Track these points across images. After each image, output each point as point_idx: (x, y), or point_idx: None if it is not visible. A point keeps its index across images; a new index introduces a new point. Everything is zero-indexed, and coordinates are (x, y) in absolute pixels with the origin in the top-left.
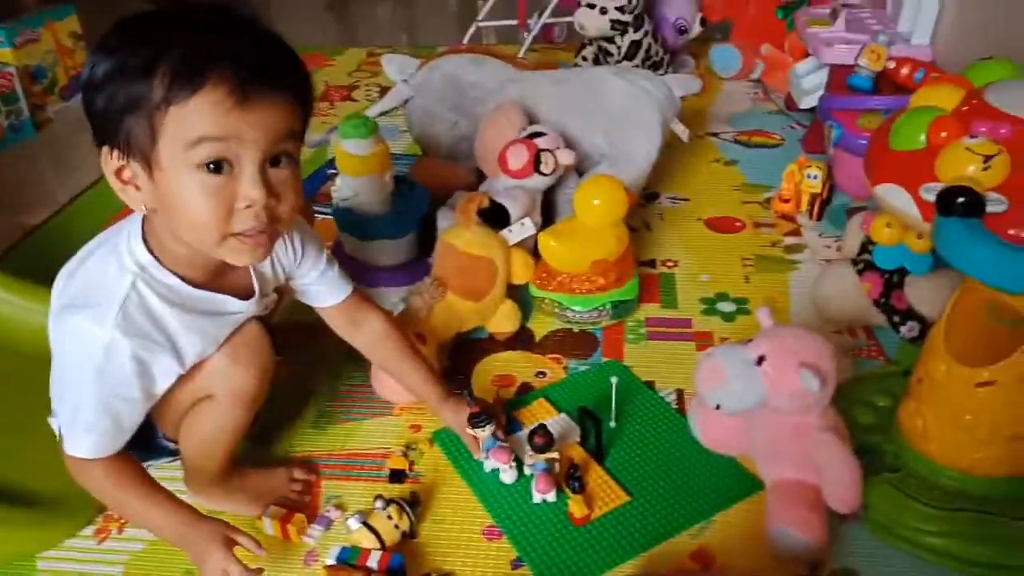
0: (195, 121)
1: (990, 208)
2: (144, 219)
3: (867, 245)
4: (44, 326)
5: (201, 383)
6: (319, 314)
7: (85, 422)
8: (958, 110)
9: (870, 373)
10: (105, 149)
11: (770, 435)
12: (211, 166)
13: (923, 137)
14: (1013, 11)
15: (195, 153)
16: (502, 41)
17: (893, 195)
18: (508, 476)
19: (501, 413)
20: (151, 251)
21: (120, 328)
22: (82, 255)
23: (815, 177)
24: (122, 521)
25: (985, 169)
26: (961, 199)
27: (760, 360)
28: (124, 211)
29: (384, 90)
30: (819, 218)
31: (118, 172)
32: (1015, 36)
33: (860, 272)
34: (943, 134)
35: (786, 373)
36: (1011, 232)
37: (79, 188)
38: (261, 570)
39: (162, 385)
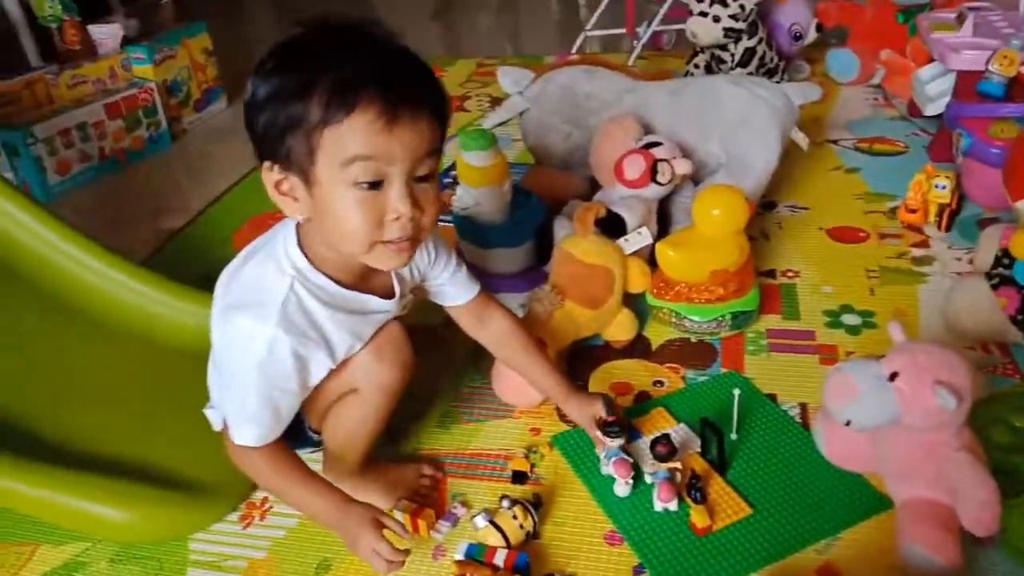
0: (349, 141)
1: None
2: (298, 225)
3: (1002, 258)
4: (197, 325)
5: (348, 378)
6: (449, 312)
7: (250, 413)
8: None
9: (1006, 391)
10: (266, 164)
11: (901, 452)
12: (365, 184)
13: None
14: None
15: (350, 171)
16: (607, 50)
17: None
18: (622, 490)
19: (631, 427)
20: (305, 255)
21: (281, 326)
22: (241, 259)
23: (943, 187)
24: (264, 508)
25: None
26: None
27: (893, 376)
28: (257, 218)
29: (495, 100)
30: (948, 229)
31: (277, 184)
32: None
33: (995, 287)
34: None
35: (921, 390)
36: None
37: (212, 196)
38: (408, 551)
39: (316, 378)
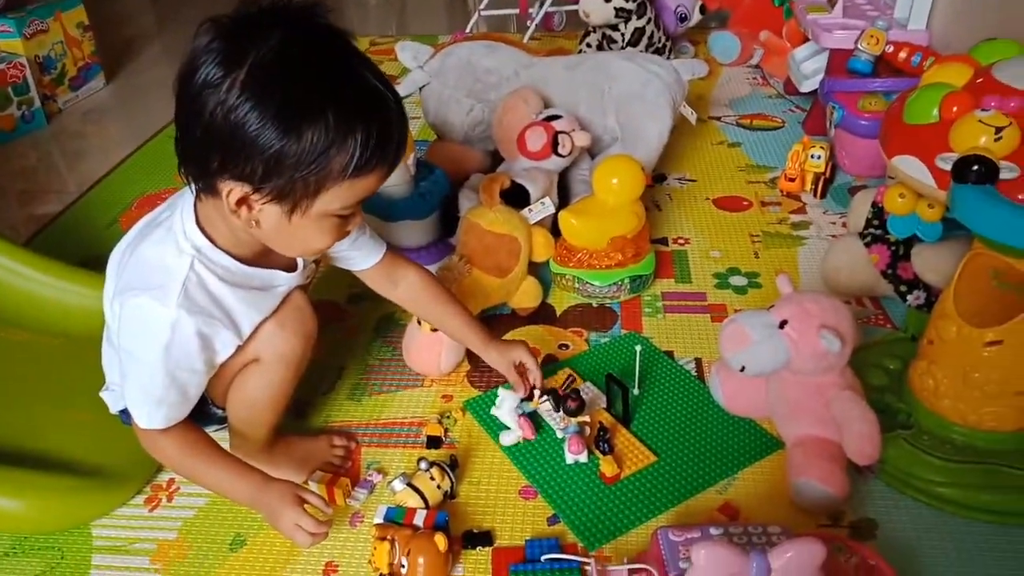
0: (355, 192)
1: (1003, 175)
2: (196, 203)
3: (872, 220)
4: (83, 307)
5: (250, 349)
6: (359, 278)
7: (155, 396)
8: (969, 85)
9: (879, 339)
10: (231, 182)
11: (791, 395)
12: (343, 215)
13: (936, 111)
14: None
15: (341, 211)
16: (498, 31)
17: (909, 166)
18: (509, 438)
19: (539, 369)
20: (204, 233)
21: (184, 307)
22: (134, 238)
23: (819, 157)
24: (171, 490)
25: (997, 140)
26: (976, 167)
27: (783, 324)
28: (146, 198)
29: (391, 79)
30: (823, 196)
31: (240, 202)
32: (1007, 19)
33: (868, 245)
34: (955, 108)
35: (808, 335)
36: (1021, 197)
37: (90, 178)
38: (330, 522)
39: (223, 356)
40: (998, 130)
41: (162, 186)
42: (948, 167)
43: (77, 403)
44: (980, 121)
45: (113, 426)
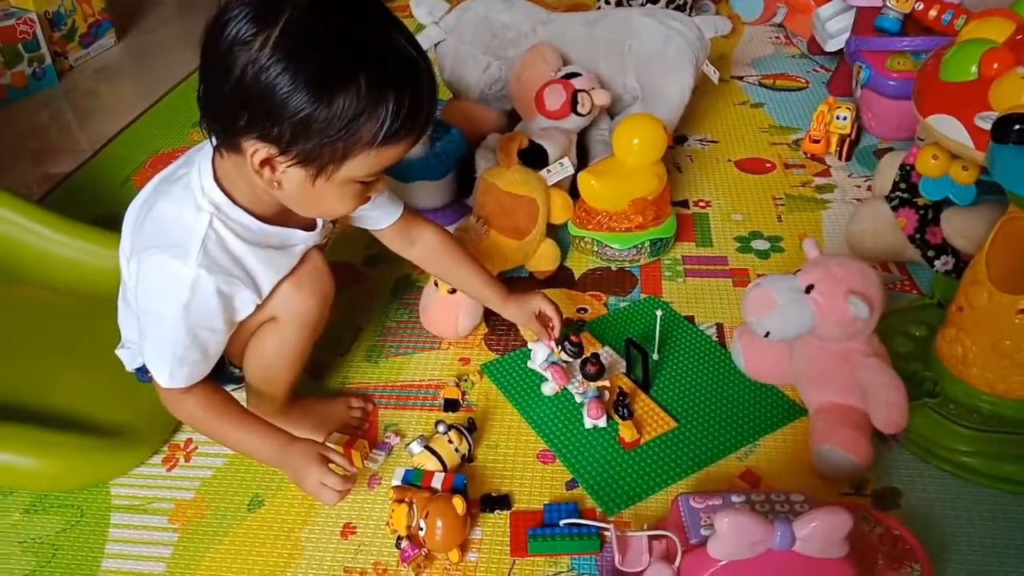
0: (381, 160)
1: None
2: (214, 159)
3: (899, 183)
4: (97, 265)
5: (267, 308)
6: (377, 237)
7: (176, 356)
8: (1010, 41)
9: (906, 305)
10: (257, 142)
11: (816, 361)
12: (367, 181)
13: (975, 68)
14: None
15: (365, 178)
16: None
17: (945, 125)
18: (548, 388)
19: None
20: (223, 190)
21: (204, 266)
22: (149, 195)
23: (844, 118)
24: (189, 450)
25: None
26: (1018, 126)
27: (809, 289)
28: (160, 156)
29: None
30: (848, 159)
31: (264, 163)
32: None
33: (895, 208)
34: (995, 65)
35: (835, 300)
36: None
37: (103, 136)
38: (354, 479)
39: (243, 314)
40: None
41: (176, 145)
42: (987, 126)
43: (92, 361)
44: (1023, 78)
45: (129, 384)
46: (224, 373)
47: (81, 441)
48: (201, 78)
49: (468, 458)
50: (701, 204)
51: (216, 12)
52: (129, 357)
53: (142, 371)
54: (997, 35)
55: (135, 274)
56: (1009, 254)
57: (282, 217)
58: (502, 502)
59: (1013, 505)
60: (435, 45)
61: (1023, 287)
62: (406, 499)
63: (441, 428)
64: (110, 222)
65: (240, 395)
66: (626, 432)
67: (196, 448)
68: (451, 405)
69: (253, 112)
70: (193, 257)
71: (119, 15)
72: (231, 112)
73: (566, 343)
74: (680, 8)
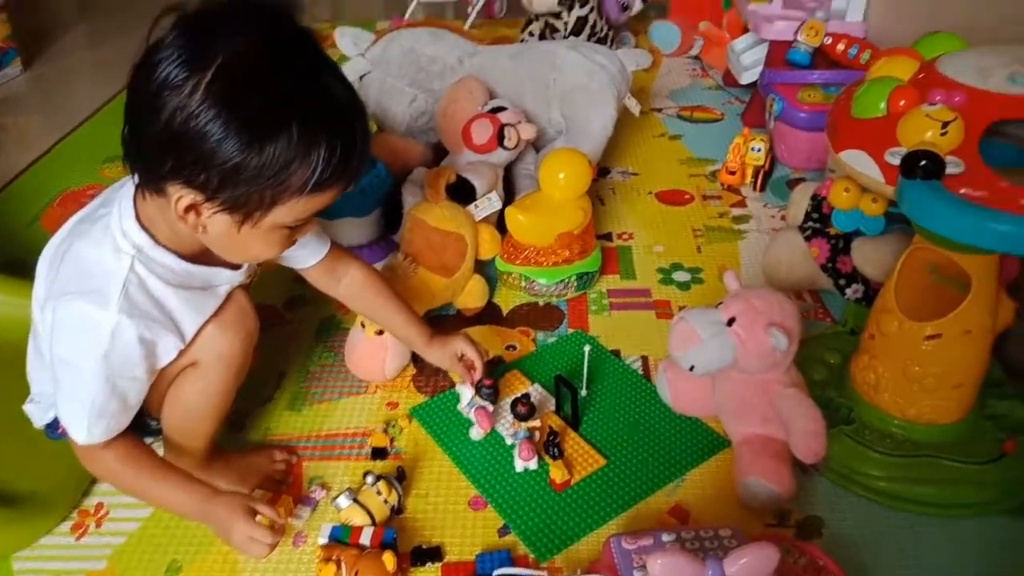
0: (310, 206)
1: (949, 170)
2: (135, 198)
3: (811, 213)
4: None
5: (189, 352)
6: (301, 274)
7: (95, 408)
8: (914, 79)
9: (820, 333)
10: (182, 188)
11: (738, 394)
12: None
13: (883, 105)
14: None
15: (293, 224)
16: (433, 16)
17: (857, 160)
18: (475, 432)
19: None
20: (145, 230)
21: (124, 311)
22: (65, 238)
23: (759, 150)
24: (100, 515)
25: (943, 134)
26: (923, 163)
27: (731, 322)
28: (71, 193)
29: None
30: (762, 189)
31: (189, 209)
32: (940, 11)
33: (807, 239)
34: (902, 102)
35: (756, 333)
36: (962, 192)
37: (7, 173)
38: (283, 531)
39: (165, 361)
40: (944, 124)
41: (86, 181)
42: (897, 162)
43: None
44: (927, 116)
45: (37, 445)
46: (140, 425)
47: None
48: (126, 117)
49: (398, 509)
50: (624, 237)
51: (145, 51)
52: (38, 412)
53: (52, 427)
54: (902, 73)
55: (50, 322)
56: (916, 283)
57: (207, 256)
58: (433, 555)
59: (930, 527)
60: (360, 77)
61: (930, 314)
62: (334, 557)
63: (369, 479)
64: (16, 267)
65: (157, 448)
66: (557, 473)
67: (108, 513)
68: (379, 453)
69: (180, 157)
70: (113, 303)
71: (25, 43)
72: (156, 155)
73: (481, 388)
74: (602, 40)
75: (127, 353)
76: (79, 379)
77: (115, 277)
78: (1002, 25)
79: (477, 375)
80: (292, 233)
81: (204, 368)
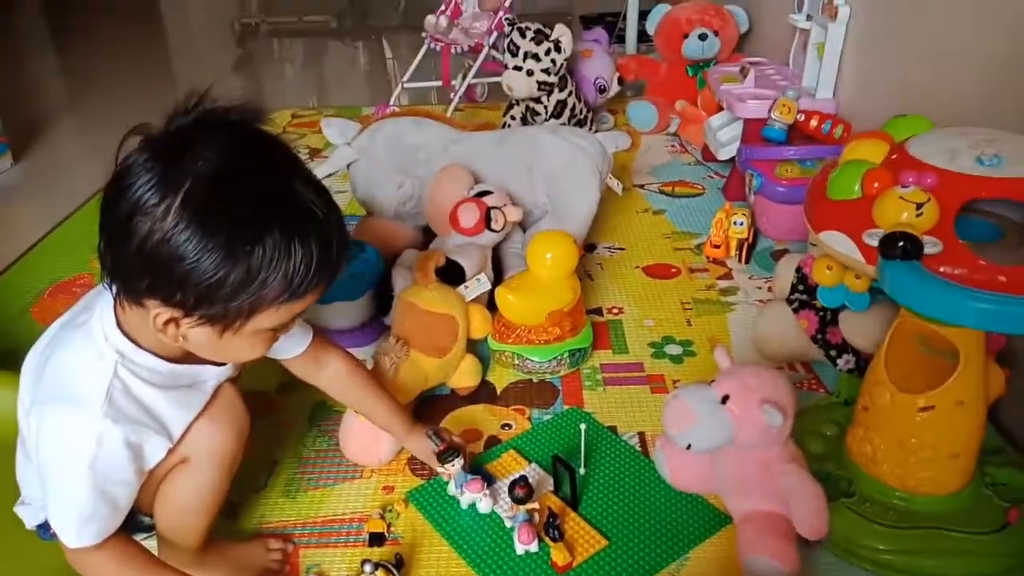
0: (290, 312)
1: (927, 250)
2: (116, 302)
3: (797, 285)
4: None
5: (179, 450)
6: (283, 365)
7: (84, 513)
8: (886, 161)
9: (814, 404)
10: (160, 305)
11: (737, 470)
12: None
13: (858, 187)
14: (904, 66)
15: (276, 327)
16: (420, 102)
17: (836, 241)
18: (485, 505)
19: (465, 446)
20: (126, 335)
21: (109, 417)
22: (49, 344)
23: (741, 224)
24: None
25: (919, 215)
26: (902, 243)
27: (725, 399)
28: (60, 285)
29: (314, 151)
30: (747, 261)
31: (168, 322)
32: (906, 88)
33: (796, 310)
34: (876, 184)
35: (750, 410)
36: (941, 270)
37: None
38: None
39: (153, 462)
40: (919, 206)
41: (76, 271)
42: (875, 243)
43: None
44: (901, 198)
45: (29, 546)
46: (133, 522)
47: None
48: (101, 234)
49: None
50: (614, 311)
51: (115, 174)
52: (30, 514)
53: (44, 528)
54: (874, 156)
55: (35, 429)
56: (906, 354)
57: (192, 355)
58: None
59: None
60: (348, 165)
61: (920, 385)
62: None
63: (368, 568)
64: (7, 359)
65: (151, 544)
66: (558, 556)
67: None
68: (376, 539)
69: (155, 278)
70: (97, 409)
71: (16, 136)
72: (133, 274)
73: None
74: (581, 122)
75: (114, 458)
76: (67, 486)
77: (99, 383)
78: (961, 101)
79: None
80: (276, 333)
81: (195, 465)
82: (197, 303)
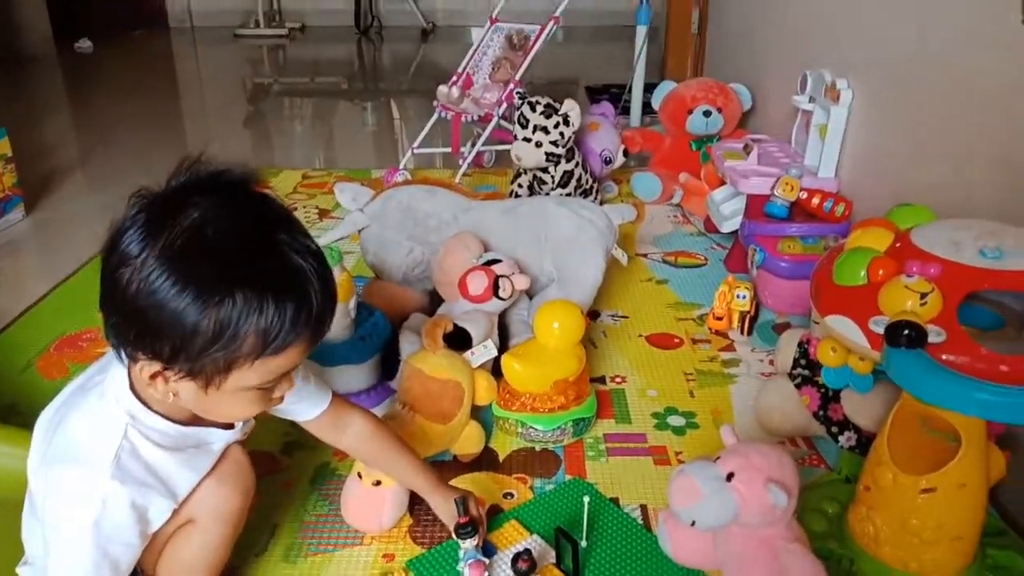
0: (272, 368)
1: (931, 339)
2: (129, 368)
3: (799, 359)
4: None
5: (184, 510)
6: (304, 427)
7: (84, 573)
8: (891, 250)
9: (815, 481)
10: (143, 358)
11: (740, 548)
12: (264, 387)
13: (863, 274)
14: (906, 150)
15: (261, 385)
16: (423, 166)
17: (842, 325)
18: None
19: (484, 523)
20: (138, 397)
21: (117, 478)
22: (60, 406)
23: (744, 297)
24: None
25: (923, 304)
26: (907, 332)
27: (730, 477)
28: (65, 339)
29: (323, 212)
30: (749, 334)
31: (155, 376)
32: (909, 172)
33: (798, 386)
34: (881, 272)
35: (756, 489)
36: (944, 359)
37: (3, 318)
38: None
39: (157, 524)
40: (923, 296)
41: (83, 326)
42: (880, 330)
43: None
44: (906, 287)
45: None
46: None
47: None
48: (100, 290)
49: None
50: (618, 380)
51: (112, 229)
52: (32, 575)
53: None
54: (878, 244)
55: (43, 488)
56: (908, 434)
57: (199, 419)
58: None
59: None
60: (359, 231)
61: (926, 465)
62: None
63: None
64: (10, 414)
65: None
66: None
67: None
68: None
69: (138, 329)
70: (105, 470)
71: (30, 188)
72: (120, 326)
73: (458, 528)
74: (587, 192)
75: (119, 520)
76: (70, 546)
77: (108, 445)
78: (961, 189)
79: (482, 534)
80: (267, 392)
81: (201, 525)
82: (173, 354)
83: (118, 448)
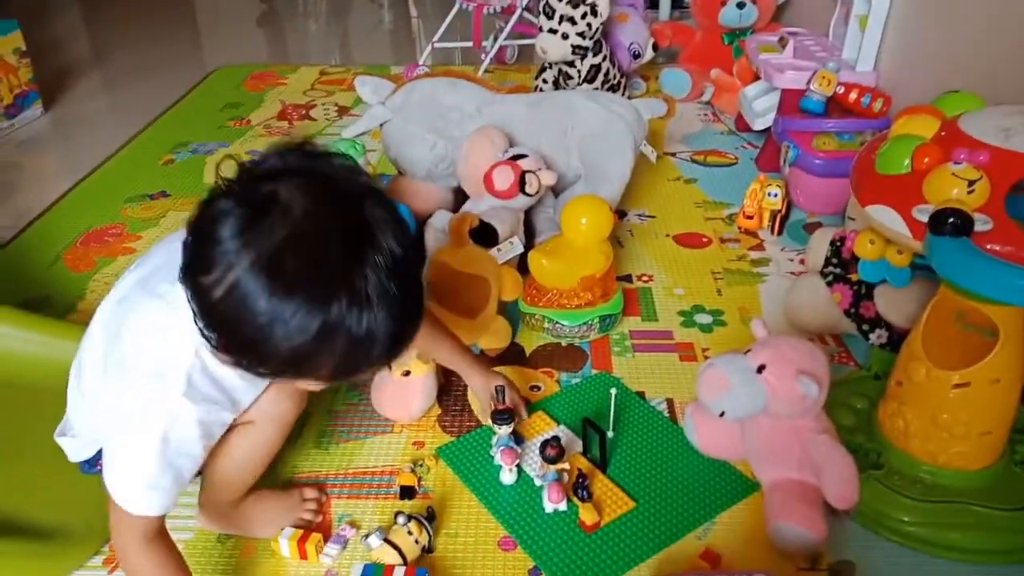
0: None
1: (977, 228)
2: None
3: (831, 259)
4: (30, 353)
5: (243, 415)
6: None
7: (147, 479)
8: (937, 138)
9: (844, 378)
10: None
11: (768, 439)
12: None
13: (907, 162)
14: (950, 39)
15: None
16: (442, 62)
17: (883, 215)
18: (508, 477)
19: (522, 414)
20: None
21: (187, 396)
22: (126, 296)
23: (775, 195)
24: None
25: (970, 192)
26: (952, 219)
27: (760, 369)
28: (92, 233)
29: (342, 109)
30: (780, 233)
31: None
32: (947, 61)
33: (829, 284)
34: (926, 160)
35: (786, 380)
36: (990, 248)
37: (28, 213)
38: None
39: (219, 435)
40: (970, 183)
41: (108, 221)
42: (924, 219)
43: (25, 456)
44: (953, 174)
45: (69, 478)
46: None
47: (12, 548)
48: (188, 245)
49: (428, 549)
50: (644, 278)
51: (211, 196)
52: (76, 446)
53: (90, 463)
54: (924, 131)
55: (111, 393)
56: (943, 330)
57: None
58: None
59: (962, 572)
60: (381, 124)
61: (955, 362)
62: None
63: (401, 520)
64: (40, 304)
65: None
66: (587, 515)
67: None
68: (407, 492)
69: (220, 331)
70: (177, 389)
71: (46, 84)
72: (203, 316)
73: (495, 415)
74: (614, 87)
75: (186, 435)
76: (136, 455)
77: (179, 362)
78: (1010, 77)
79: (521, 413)
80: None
81: (257, 426)
82: (250, 365)
83: (190, 367)
